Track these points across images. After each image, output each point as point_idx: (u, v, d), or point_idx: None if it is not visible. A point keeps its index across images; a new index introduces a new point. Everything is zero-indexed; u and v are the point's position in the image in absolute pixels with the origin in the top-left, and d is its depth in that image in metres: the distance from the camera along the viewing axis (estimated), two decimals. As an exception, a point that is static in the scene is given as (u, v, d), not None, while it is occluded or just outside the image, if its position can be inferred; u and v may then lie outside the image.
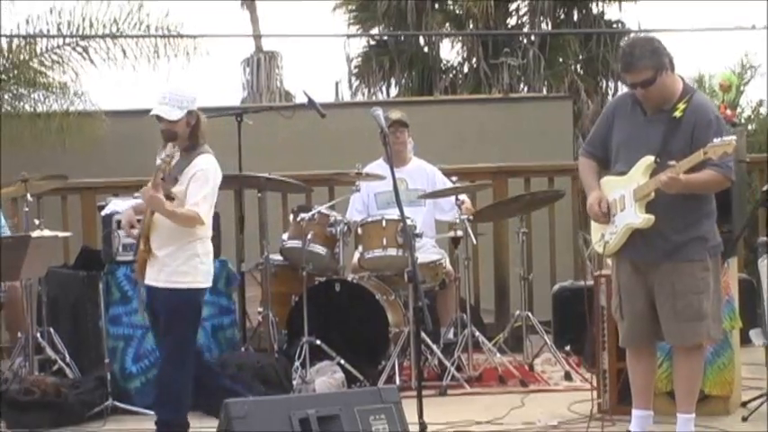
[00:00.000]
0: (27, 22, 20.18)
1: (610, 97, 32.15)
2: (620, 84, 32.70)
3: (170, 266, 9.99)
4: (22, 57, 19.79)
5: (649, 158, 8.97)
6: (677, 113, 8.99)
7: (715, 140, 8.57)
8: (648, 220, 8.92)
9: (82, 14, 19.97)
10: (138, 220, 10.05)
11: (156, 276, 10.00)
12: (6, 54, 19.85)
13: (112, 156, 13.92)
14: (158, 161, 9.98)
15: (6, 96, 19.64)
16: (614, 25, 34.07)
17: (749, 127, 20.94)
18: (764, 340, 8.38)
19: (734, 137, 8.65)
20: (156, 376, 10.44)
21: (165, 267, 9.98)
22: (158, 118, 10.06)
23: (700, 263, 9.10)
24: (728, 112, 13.31)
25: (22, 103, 19.50)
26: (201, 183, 9.99)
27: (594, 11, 34.65)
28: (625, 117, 9.36)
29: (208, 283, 10.20)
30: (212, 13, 52.50)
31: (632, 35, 9.70)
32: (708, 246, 9.16)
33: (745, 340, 11.18)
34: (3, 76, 19.68)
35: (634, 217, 9.04)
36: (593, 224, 9.43)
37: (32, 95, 19.64)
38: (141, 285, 10.32)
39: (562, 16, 34.87)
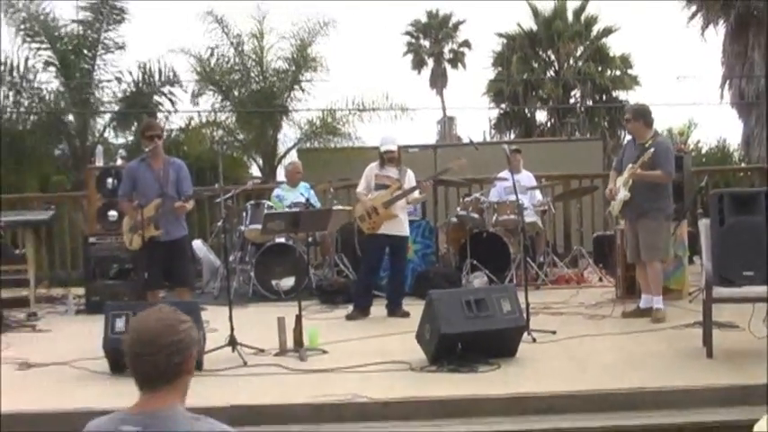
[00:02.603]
0: (328, 102, 20.44)
1: (621, 139, 32.31)
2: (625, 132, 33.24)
3: (402, 223, 10.30)
4: (328, 120, 19.92)
5: (630, 166, 9.26)
6: (647, 145, 9.22)
7: (642, 156, 9.14)
8: (627, 195, 9.27)
9: (357, 96, 20.23)
10: None
11: (400, 229, 10.23)
12: (321, 119, 20.00)
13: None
14: (452, 164, 10.63)
15: (321, 140, 19.77)
16: (623, 102, 33.78)
17: (693, 153, 20.74)
18: (701, 261, 8.46)
19: (643, 158, 9.12)
20: (396, 280, 10.52)
21: (402, 222, 10.28)
22: (388, 151, 10.35)
23: (656, 221, 9.29)
24: (683, 146, 13.44)
25: (329, 144, 19.63)
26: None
27: (614, 95, 34.63)
28: (629, 147, 9.65)
29: None
30: (423, 94, 52.34)
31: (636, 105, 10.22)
32: (663, 213, 9.35)
33: (691, 262, 11.29)
34: (319, 131, 19.85)
35: (623, 194, 9.27)
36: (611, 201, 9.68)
37: (334, 139, 19.76)
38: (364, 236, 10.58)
39: (597, 98, 34.82)
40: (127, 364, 3.04)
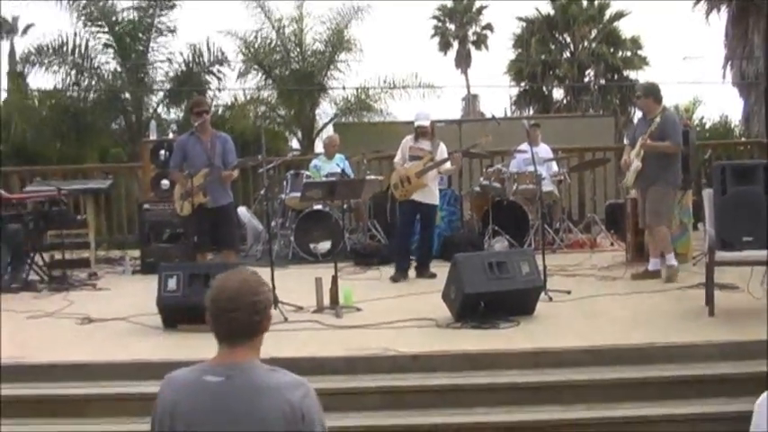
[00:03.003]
0: (362, 80, 20.45)
1: (632, 115, 31.95)
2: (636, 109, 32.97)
3: (433, 193, 10.24)
4: (362, 97, 19.94)
5: (642, 138, 9.14)
6: (656, 119, 9.12)
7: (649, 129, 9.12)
8: (639, 165, 9.16)
9: (389, 75, 20.18)
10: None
11: (430, 198, 10.13)
12: (355, 96, 20.03)
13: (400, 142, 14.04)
14: (481, 140, 10.67)
15: (355, 115, 19.81)
16: (633, 81, 33.54)
17: (697, 129, 20.65)
18: (704, 228, 8.41)
19: (651, 128, 9.08)
20: (425, 244, 10.42)
21: (432, 192, 10.18)
22: (421, 126, 10.29)
23: (662, 190, 9.19)
24: (688, 121, 13.32)
25: (363, 119, 19.66)
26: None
27: (625, 74, 34.48)
28: (640, 123, 9.54)
29: None
30: (448, 73, 52.03)
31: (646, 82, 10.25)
32: (670, 184, 9.27)
33: (695, 228, 11.16)
34: (353, 107, 19.87)
35: (636, 165, 9.17)
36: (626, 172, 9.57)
37: (367, 115, 19.77)
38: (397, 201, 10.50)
39: (609, 77, 34.68)
40: (208, 319, 3.06)
